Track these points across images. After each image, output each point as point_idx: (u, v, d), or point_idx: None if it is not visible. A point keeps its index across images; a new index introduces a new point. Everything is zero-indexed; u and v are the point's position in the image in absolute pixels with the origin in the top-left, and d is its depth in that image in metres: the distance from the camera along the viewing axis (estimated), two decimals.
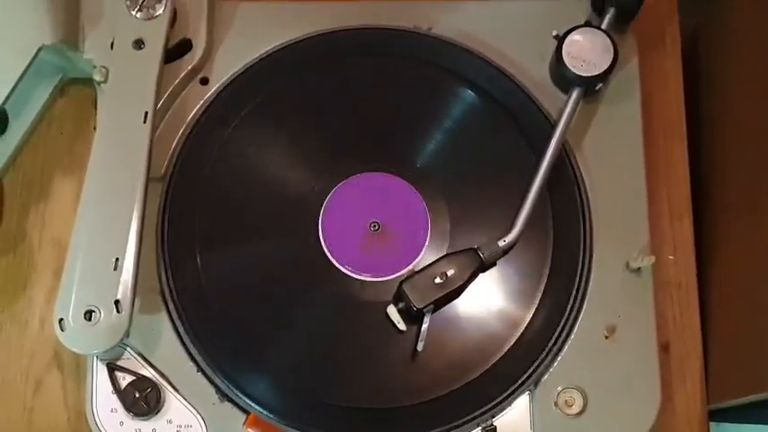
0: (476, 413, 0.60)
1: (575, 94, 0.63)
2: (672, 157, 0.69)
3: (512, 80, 0.66)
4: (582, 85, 0.63)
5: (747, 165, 0.66)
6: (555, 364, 0.61)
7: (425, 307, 0.58)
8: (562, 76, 0.64)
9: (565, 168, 0.64)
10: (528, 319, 0.61)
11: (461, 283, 0.59)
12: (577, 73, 0.63)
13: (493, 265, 0.61)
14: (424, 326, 0.59)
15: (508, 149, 0.65)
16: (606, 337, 0.62)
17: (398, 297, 0.59)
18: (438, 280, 0.59)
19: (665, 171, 0.68)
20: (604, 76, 0.63)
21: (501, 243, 0.60)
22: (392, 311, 0.59)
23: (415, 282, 0.59)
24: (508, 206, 0.62)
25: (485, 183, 0.64)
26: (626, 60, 0.66)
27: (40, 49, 0.62)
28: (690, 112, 0.69)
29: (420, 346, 0.58)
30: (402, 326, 0.59)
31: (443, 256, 0.60)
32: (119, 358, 0.61)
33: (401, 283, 0.59)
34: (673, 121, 0.69)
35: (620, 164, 0.65)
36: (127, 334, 0.58)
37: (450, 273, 0.59)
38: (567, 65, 0.63)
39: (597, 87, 0.64)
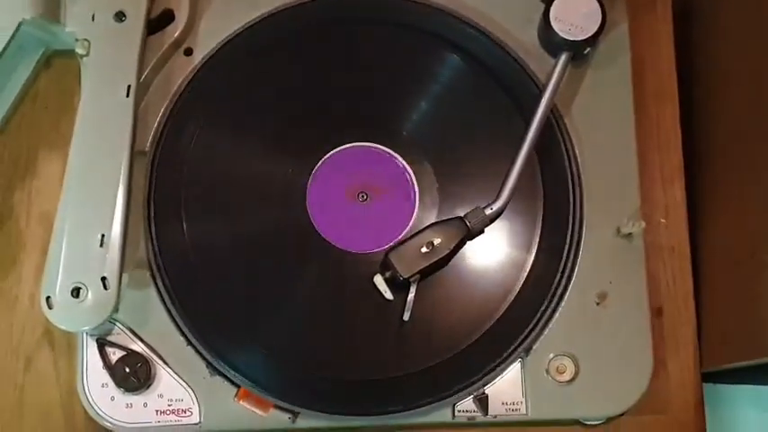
0: (467, 382, 0.60)
1: (563, 59, 0.62)
2: (663, 121, 0.68)
3: (499, 45, 0.65)
4: (570, 49, 0.62)
5: (740, 127, 0.65)
6: (546, 331, 0.61)
7: (411, 276, 0.58)
8: (550, 41, 0.63)
9: (554, 134, 0.63)
10: (518, 287, 0.61)
11: (448, 252, 0.59)
12: (565, 37, 0.62)
13: (480, 233, 0.61)
14: (411, 296, 0.58)
15: (496, 115, 0.64)
16: (597, 304, 0.62)
17: (385, 266, 0.59)
18: (424, 249, 0.58)
19: (657, 134, 0.67)
20: (592, 40, 0.62)
21: (488, 211, 0.60)
22: (379, 281, 0.59)
23: (402, 251, 0.59)
24: (497, 173, 0.61)
25: (473, 150, 0.63)
26: (616, 23, 0.65)
27: (20, 24, 0.61)
28: (681, 74, 0.68)
29: (406, 316, 0.58)
30: (389, 295, 0.59)
31: (429, 225, 0.60)
32: (109, 333, 0.60)
33: (387, 252, 0.59)
34: (664, 84, 0.68)
35: (610, 128, 0.64)
36: (115, 309, 0.58)
37: (436, 242, 0.59)
38: (555, 29, 0.62)
39: (586, 51, 0.63)
